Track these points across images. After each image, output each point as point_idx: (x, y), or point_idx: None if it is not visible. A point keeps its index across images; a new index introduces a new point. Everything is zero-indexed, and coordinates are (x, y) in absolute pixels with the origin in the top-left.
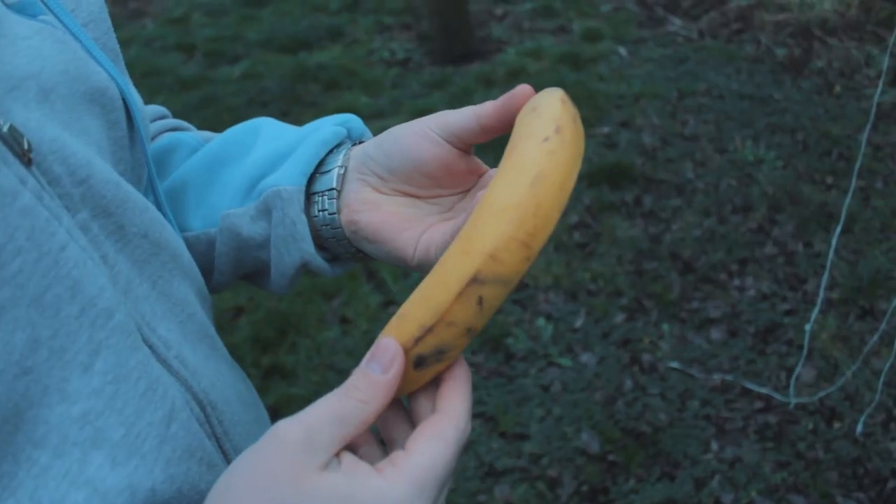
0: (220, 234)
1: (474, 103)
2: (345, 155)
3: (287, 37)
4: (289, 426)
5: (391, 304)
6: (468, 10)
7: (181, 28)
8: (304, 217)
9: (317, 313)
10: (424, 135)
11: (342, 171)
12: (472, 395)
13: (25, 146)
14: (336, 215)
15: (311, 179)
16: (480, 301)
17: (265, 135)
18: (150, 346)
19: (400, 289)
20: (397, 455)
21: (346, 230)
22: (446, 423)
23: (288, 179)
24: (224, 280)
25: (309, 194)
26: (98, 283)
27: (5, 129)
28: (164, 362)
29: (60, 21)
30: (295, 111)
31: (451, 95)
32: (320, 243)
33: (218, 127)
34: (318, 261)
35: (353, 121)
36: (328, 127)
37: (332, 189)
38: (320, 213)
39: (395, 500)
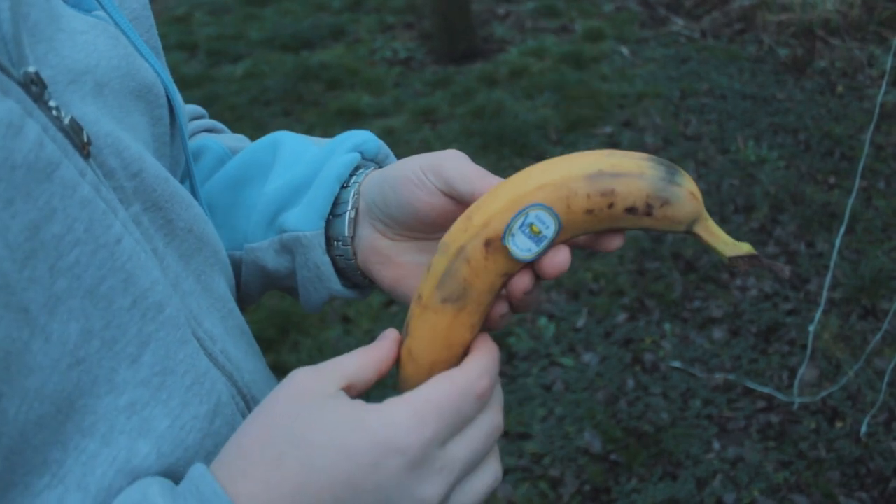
0: (245, 265)
1: (477, 103)
2: (355, 194)
3: (289, 36)
4: (300, 369)
5: (393, 303)
6: (470, 9)
7: (183, 27)
8: (327, 259)
9: (318, 313)
10: (420, 183)
11: (353, 215)
12: (494, 358)
13: (85, 138)
14: (353, 260)
15: (327, 221)
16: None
17: (283, 155)
18: (197, 340)
19: None
20: (409, 392)
21: (363, 272)
22: (457, 370)
23: (306, 224)
24: (250, 299)
25: (327, 235)
26: (151, 277)
27: (66, 120)
28: (210, 356)
29: (111, 17)
30: (297, 110)
31: (453, 95)
32: (342, 274)
33: None
34: (345, 293)
35: (367, 141)
36: (341, 155)
37: (346, 237)
38: (338, 257)
39: (391, 425)
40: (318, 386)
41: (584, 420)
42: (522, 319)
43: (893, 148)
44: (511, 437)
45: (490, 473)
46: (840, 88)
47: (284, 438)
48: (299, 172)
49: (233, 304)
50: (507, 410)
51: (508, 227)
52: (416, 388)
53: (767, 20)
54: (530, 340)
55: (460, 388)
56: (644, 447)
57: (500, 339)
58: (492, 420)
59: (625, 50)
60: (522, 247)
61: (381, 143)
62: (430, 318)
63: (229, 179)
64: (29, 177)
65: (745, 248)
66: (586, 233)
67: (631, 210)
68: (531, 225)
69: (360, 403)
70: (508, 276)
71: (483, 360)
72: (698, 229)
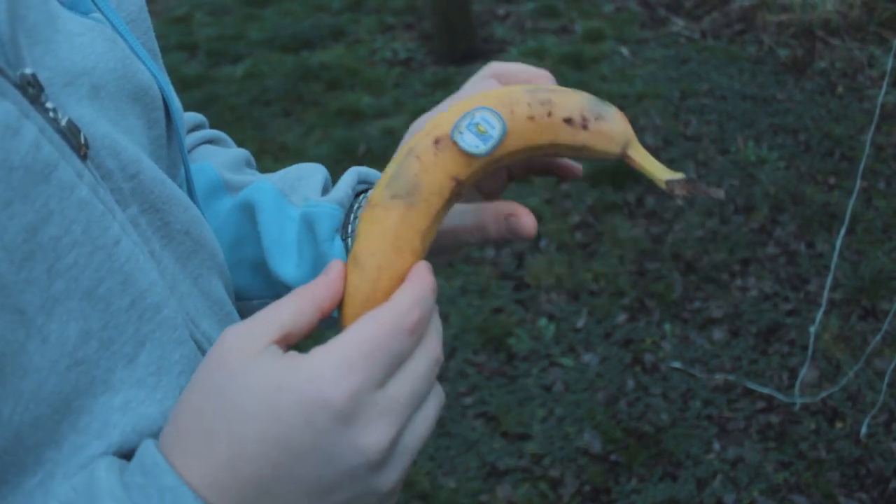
0: None
1: None
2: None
3: (289, 36)
4: (231, 327)
5: None
6: (471, 9)
7: (183, 27)
8: None
9: None
10: None
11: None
12: (426, 288)
13: (83, 140)
14: None
15: None
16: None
17: (266, 231)
18: (195, 342)
19: None
20: (335, 337)
21: None
22: (384, 307)
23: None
24: None
25: None
26: (149, 278)
27: (63, 122)
28: None
29: (108, 19)
30: (297, 110)
31: None
32: None
33: (220, 127)
34: None
35: (334, 216)
36: (338, 244)
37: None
38: None
39: (318, 375)
40: (245, 345)
41: (584, 420)
42: (522, 320)
43: (894, 149)
44: (511, 438)
45: (435, 400)
46: (840, 89)
47: (213, 410)
48: (304, 272)
49: (230, 307)
50: (507, 411)
51: (456, 126)
52: (343, 332)
53: (767, 20)
54: (530, 341)
55: (389, 326)
56: (644, 447)
57: (500, 340)
58: (431, 352)
59: (625, 50)
60: (471, 143)
61: (339, 211)
62: (378, 215)
63: (233, 239)
64: (26, 178)
65: (678, 174)
66: (531, 149)
67: (568, 121)
68: (478, 125)
69: (287, 359)
70: (458, 183)
71: (412, 291)
72: (632, 153)
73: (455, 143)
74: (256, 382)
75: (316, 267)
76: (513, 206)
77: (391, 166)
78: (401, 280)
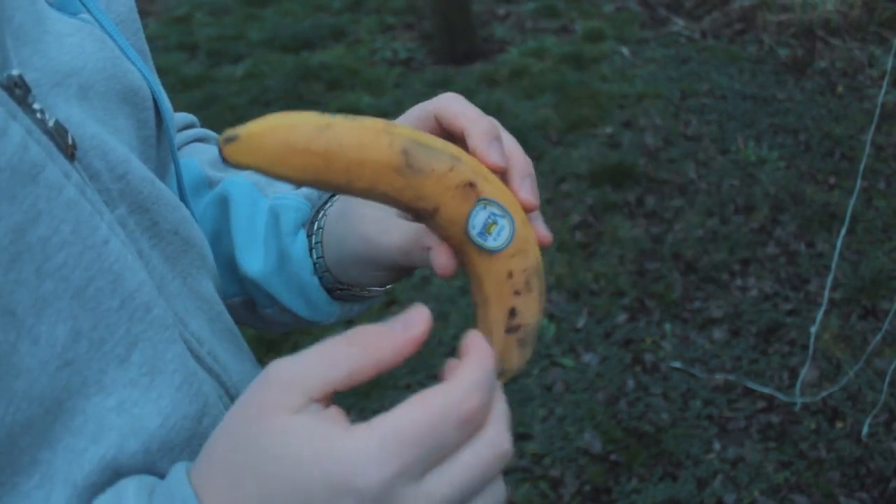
0: (255, 322)
1: (477, 103)
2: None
3: (290, 36)
4: (280, 363)
5: (393, 303)
6: (471, 9)
7: (183, 27)
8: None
9: None
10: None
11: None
12: (488, 367)
13: (70, 141)
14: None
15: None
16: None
17: (237, 226)
18: (184, 342)
19: (402, 288)
20: (378, 417)
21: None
22: (435, 391)
23: (318, 314)
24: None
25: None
26: (138, 278)
27: (51, 123)
28: (197, 358)
29: (97, 20)
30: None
31: None
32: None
33: (220, 127)
34: (354, 312)
35: (301, 210)
36: (296, 245)
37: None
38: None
39: (350, 461)
40: (287, 399)
41: (584, 420)
42: None
43: (894, 148)
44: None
45: (491, 498)
46: (840, 89)
47: (244, 464)
48: (270, 266)
49: (221, 307)
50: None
51: (488, 199)
52: (388, 413)
53: (767, 20)
54: None
55: (437, 414)
56: (644, 447)
57: None
58: (490, 443)
59: (625, 50)
60: (475, 225)
61: (306, 205)
62: (381, 142)
63: (211, 234)
64: (14, 179)
65: (509, 373)
66: (476, 277)
67: (511, 314)
68: (495, 222)
69: (326, 428)
70: (428, 213)
71: (473, 372)
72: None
73: (472, 207)
74: (291, 449)
75: (280, 262)
76: (434, 241)
77: (435, 141)
78: (317, 175)
